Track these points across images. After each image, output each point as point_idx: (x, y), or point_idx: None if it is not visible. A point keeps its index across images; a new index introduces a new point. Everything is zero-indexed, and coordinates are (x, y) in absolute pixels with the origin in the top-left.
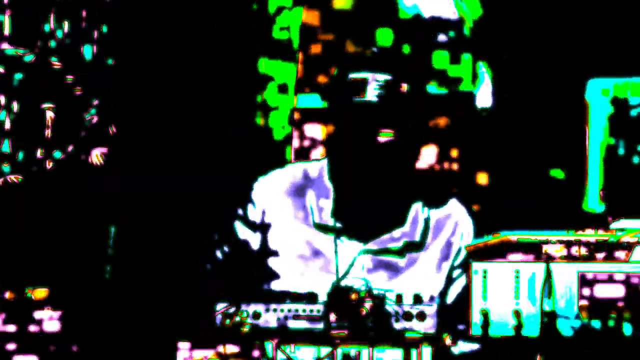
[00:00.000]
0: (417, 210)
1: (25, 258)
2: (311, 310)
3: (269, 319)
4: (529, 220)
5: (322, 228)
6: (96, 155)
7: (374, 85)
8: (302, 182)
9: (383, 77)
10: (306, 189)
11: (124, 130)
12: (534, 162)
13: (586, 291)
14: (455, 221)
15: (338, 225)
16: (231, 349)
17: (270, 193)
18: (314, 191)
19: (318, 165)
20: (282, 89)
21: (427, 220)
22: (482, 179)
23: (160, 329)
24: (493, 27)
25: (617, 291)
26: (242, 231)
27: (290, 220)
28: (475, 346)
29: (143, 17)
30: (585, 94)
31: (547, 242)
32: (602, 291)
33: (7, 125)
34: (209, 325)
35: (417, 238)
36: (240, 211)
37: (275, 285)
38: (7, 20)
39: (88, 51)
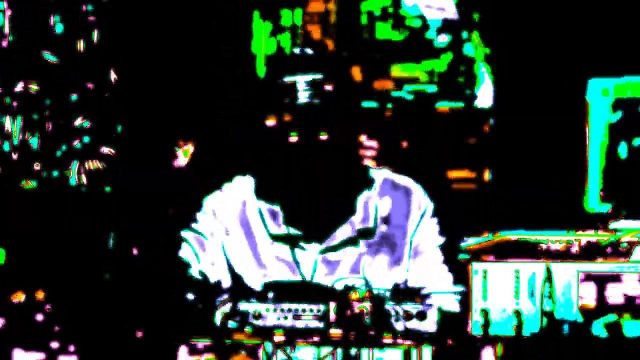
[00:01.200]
0: (367, 197)
1: (25, 258)
2: (311, 310)
3: (269, 318)
4: (529, 220)
5: (279, 238)
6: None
7: (303, 86)
8: (251, 195)
9: (311, 77)
10: (256, 201)
11: (125, 130)
12: (534, 162)
13: (586, 291)
14: (407, 197)
15: (293, 231)
16: (231, 348)
17: (222, 209)
18: (263, 202)
19: (250, 180)
20: None
21: (377, 206)
22: (483, 178)
23: (160, 329)
24: (493, 27)
25: (617, 291)
26: (197, 250)
27: (245, 235)
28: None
29: (143, 17)
30: (585, 94)
31: (547, 243)
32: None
33: (7, 125)
34: (208, 325)
35: (371, 224)
36: (192, 232)
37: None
38: (6, 19)
39: (87, 50)
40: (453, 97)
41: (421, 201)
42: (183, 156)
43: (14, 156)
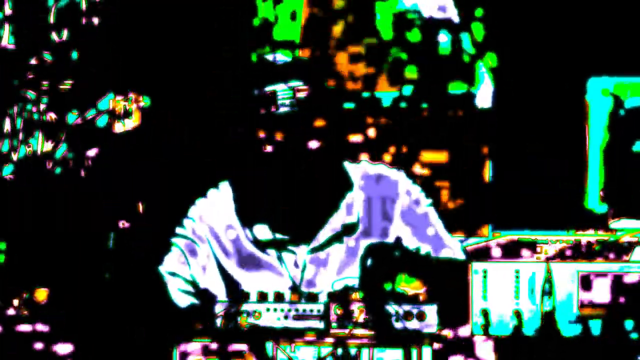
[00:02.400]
0: (352, 196)
1: (25, 258)
2: (311, 310)
3: (269, 318)
4: (529, 220)
5: (265, 243)
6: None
7: (281, 95)
8: (235, 201)
9: (288, 85)
10: (239, 207)
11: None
12: (534, 162)
13: (586, 291)
14: (387, 185)
15: (279, 236)
16: (231, 348)
17: (207, 216)
18: (248, 208)
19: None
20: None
21: (358, 201)
22: (483, 178)
23: (160, 330)
24: (493, 27)
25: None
26: (182, 257)
27: (231, 242)
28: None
29: (144, 17)
30: (585, 94)
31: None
32: (602, 291)
33: (7, 125)
34: (208, 325)
35: (354, 219)
36: (181, 238)
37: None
38: (6, 19)
39: (86, 49)
40: (452, 96)
41: (398, 180)
42: (129, 112)
43: (14, 156)
